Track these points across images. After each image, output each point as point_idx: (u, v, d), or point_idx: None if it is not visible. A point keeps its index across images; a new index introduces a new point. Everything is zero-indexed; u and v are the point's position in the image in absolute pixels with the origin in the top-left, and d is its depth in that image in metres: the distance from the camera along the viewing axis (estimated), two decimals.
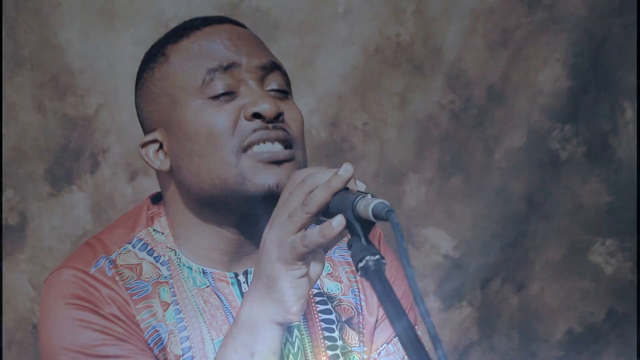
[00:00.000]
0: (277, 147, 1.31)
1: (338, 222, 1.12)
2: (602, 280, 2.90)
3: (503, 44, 2.73)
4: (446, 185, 2.77)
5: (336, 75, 2.66)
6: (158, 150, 1.37)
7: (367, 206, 1.08)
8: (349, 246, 1.12)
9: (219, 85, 1.31)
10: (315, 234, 1.14)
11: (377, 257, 1.08)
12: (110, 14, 2.54)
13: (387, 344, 1.44)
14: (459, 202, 2.78)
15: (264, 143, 1.30)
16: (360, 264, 1.08)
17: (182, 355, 1.32)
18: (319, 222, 1.16)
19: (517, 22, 2.72)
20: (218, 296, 1.36)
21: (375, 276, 1.07)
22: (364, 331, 1.43)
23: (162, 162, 1.36)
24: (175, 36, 1.37)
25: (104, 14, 2.54)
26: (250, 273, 1.37)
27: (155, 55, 1.39)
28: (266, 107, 1.29)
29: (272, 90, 1.34)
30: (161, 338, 1.33)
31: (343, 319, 1.42)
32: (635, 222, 2.85)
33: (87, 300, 1.31)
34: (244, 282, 1.38)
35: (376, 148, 2.71)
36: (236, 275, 1.38)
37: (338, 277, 1.45)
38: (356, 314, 1.43)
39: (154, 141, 1.37)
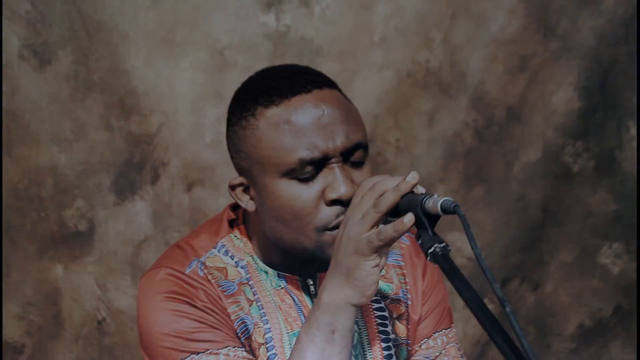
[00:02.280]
0: None
1: (409, 218, 1.19)
2: (609, 279, 2.94)
3: (521, 69, 2.74)
4: (470, 195, 2.80)
5: (372, 97, 2.68)
6: (244, 191, 1.40)
7: (435, 203, 1.16)
8: (418, 237, 1.20)
9: (308, 170, 1.32)
10: (390, 229, 1.21)
11: (444, 244, 1.16)
12: (171, 43, 2.57)
13: (428, 338, 1.51)
14: (481, 210, 2.80)
15: None
16: (430, 251, 1.16)
17: (265, 343, 1.39)
18: (386, 222, 1.24)
19: (534, 50, 2.72)
20: (291, 296, 1.43)
21: (443, 260, 1.16)
22: (409, 327, 1.49)
23: (247, 203, 1.39)
24: (265, 99, 1.35)
25: (166, 43, 2.57)
26: (318, 278, 1.44)
27: (246, 110, 1.37)
28: (346, 194, 1.30)
29: (352, 162, 1.34)
30: (248, 328, 1.39)
31: (394, 315, 1.48)
32: (637, 228, 2.87)
33: (183, 295, 1.36)
34: (311, 285, 1.44)
35: (407, 162, 2.73)
36: (305, 279, 1.45)
37: (390, 278, 1.50)
38: (405, 311, 1.49)
39: (241, 184, 1.40)
